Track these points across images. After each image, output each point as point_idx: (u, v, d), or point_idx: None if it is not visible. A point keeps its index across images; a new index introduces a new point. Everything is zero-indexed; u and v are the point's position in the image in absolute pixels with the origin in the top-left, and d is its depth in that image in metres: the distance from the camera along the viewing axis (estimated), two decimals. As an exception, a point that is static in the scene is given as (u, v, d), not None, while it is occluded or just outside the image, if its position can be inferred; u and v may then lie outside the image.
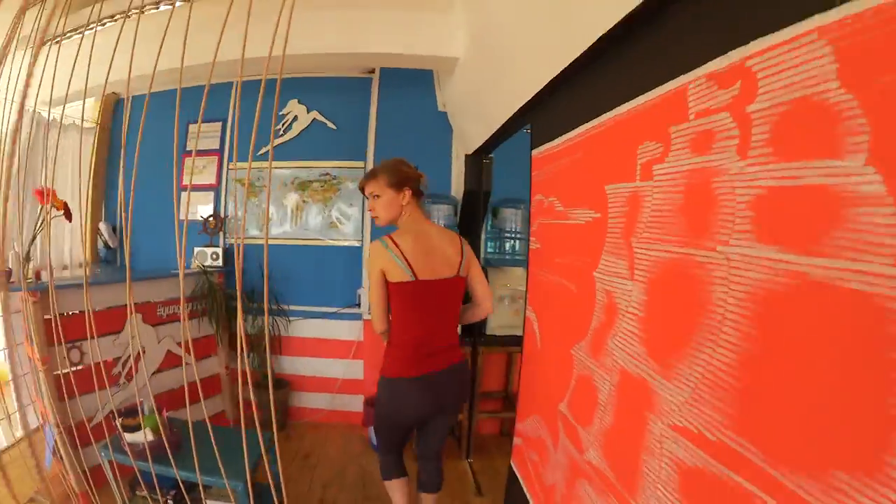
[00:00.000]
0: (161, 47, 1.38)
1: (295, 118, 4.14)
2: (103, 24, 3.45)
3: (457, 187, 3.71)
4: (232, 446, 1.66)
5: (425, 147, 3.74)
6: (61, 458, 2.51)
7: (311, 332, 4.22)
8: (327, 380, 4.24)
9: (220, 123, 4.42)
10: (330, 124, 4.11)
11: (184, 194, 4.44)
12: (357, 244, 4.10)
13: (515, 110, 2.32)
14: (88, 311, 1.53)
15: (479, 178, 3.36)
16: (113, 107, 4.93)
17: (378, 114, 3.84)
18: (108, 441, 2.20)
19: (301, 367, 4.29)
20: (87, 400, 2.88)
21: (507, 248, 3.65)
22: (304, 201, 4.14)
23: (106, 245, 4.74)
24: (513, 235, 3.63)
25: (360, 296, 4.02)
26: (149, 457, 1.86)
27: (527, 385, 2.40)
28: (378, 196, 2.13)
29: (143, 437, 2.09)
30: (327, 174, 4.12)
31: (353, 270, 4.06)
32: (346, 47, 3.13)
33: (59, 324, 2.65)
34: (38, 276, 3.12)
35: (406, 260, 2.00)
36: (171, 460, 1.56)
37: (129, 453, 1.80)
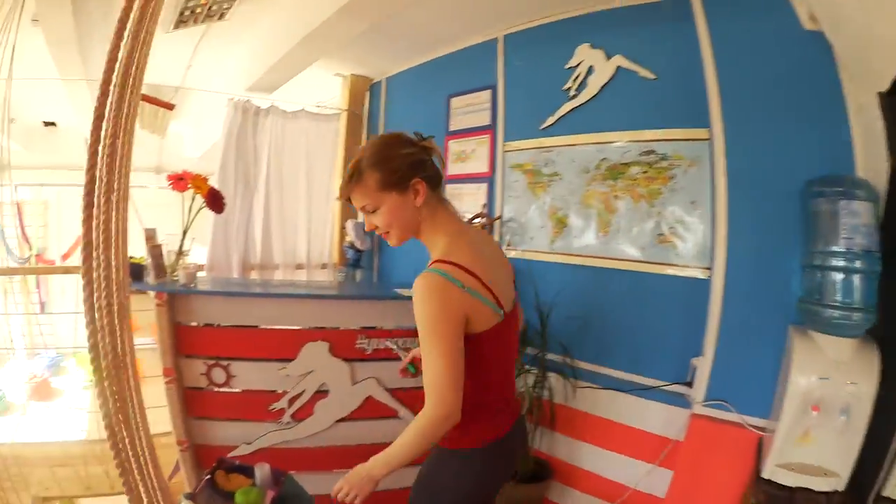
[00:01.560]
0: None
1: (590, 70, 2.85)
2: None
3: (866, 166, 2.03)
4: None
5: (796, 96, 2.18)
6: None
7: (605, 408, 2.83)
8: (610, 484, 2.78)
9: (488, 92, 3.44)
10: (644, 72, 2.65)
11: (448, 188, 3.65)
12: (702, 275, 2.47)
13: None
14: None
15: None
16: (365, 90, 4.62)
17: (714, 49, 2.36)
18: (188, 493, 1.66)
19: (576, 455, 2.94)
20: (230, 427, 2.72)
21: None
22: (614, 197, 2.76)
23: (352, 246, 4.20)
24: None
25: (694, 369, 2.47)
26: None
27: None
28: (374, 209, 1.44)
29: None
30: (651, 151, 2.65)
31: (693, 320, 2.47)
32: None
33: (174, 332, 2.60)
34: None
35: (488, 289, 1.38)
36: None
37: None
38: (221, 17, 3.48)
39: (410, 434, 1.33)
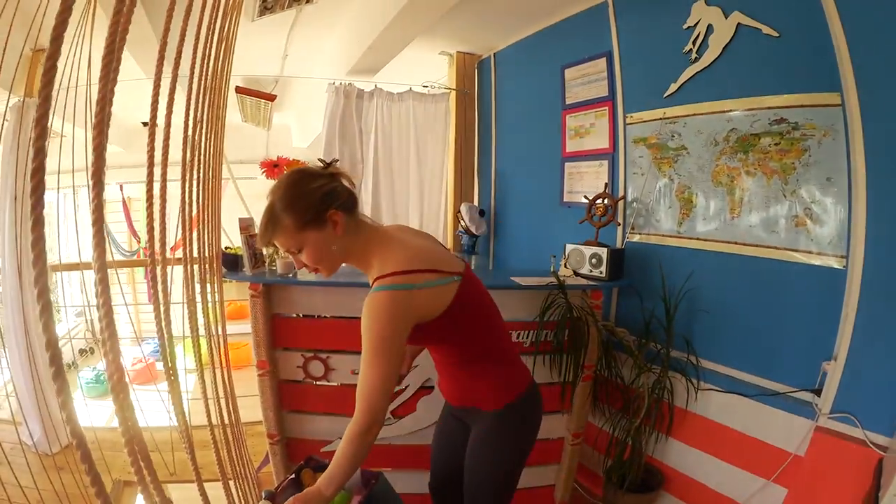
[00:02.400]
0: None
1: (709, 29, 2.55)
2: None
3: None
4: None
5: None
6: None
7: (726, 414, 2.54)
8: (722, 499, 2.53)
9: (603, 59, 3.20)
10: (767, 30, 2.31)
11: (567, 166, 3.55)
12: (837, 265, 2.13)
13: None
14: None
15: None
16: (473, 67, 4.50)
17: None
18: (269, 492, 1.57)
19: (692, 464, 2.68)
20: (325, 422, 2.75)
21: None
22: (746, 172, 2.46)
23: (467, 231, 4.12)
24: None
25: (824, 374, 2.14)
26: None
27: None
28: (298, 249, 1.46)
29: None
30: (782, 120, 2.31)
31: (826, 317, 2.15)
32: None
33: (270, 325, 2.61)
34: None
35: (435, 271, 1.45)
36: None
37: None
38: (308, 0, 3.44)
39: (343, 445, 1.36)
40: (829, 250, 2.15)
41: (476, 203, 4.41)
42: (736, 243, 2.49)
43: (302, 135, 7.21)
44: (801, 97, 2.19)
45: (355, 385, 1.29)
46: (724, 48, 2.46)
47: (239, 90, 4.72)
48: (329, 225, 1.43)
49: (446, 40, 4.10)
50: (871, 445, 1.87)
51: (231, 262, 2.70)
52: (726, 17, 2.43)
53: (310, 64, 4.65)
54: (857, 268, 1.96)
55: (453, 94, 4.36)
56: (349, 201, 1.48)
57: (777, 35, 2.26)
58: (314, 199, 1.41)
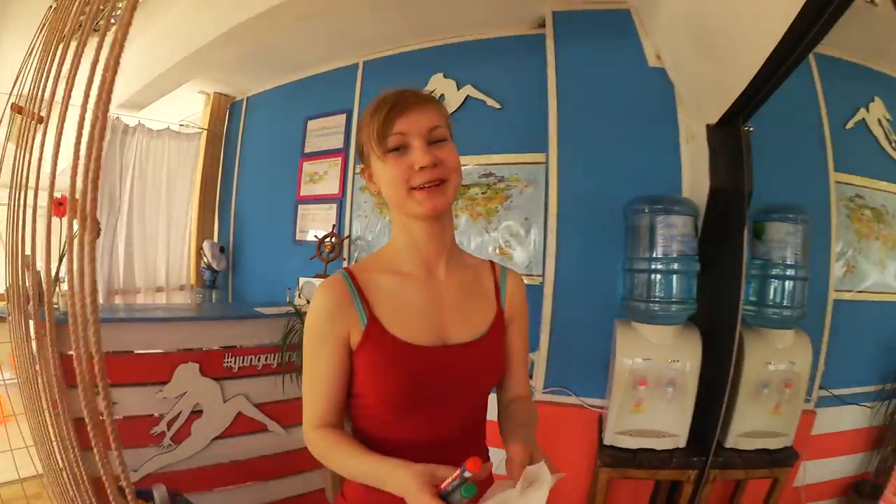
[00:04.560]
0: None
1: (440, 98, 2.99)
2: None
3: (691, 186, 2.42)
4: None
5: (635, 122, 2.53)
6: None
7: None
8: None
9: (343, 116, 3.64)
10: (491, 102, 2.97)
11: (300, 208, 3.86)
12: (535, 282, 2.76)
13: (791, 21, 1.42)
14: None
15: (735, 165, 2.05)
16: (226, 108, 4.66)
17: (558, 82, 2.66)
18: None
19: None
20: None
21: (773, 296, 2.24)
22: (455, 216, 2.91)
23: (209, 267, 4.23)
24: (783, 271, 2.22)
25: (532, 362, 2.72)
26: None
27: None
28: (444, 137, 1.06)
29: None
30: (490, 174, 2.96)
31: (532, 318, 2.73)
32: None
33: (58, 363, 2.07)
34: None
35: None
36: None
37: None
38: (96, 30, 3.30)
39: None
40: (525, 271, 2.79)
41: (216, 240, 4.47)
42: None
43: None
44: (515, 156, 2.85)
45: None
46: (451, 114, 3.03)
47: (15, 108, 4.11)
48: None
49: (207, 79, 4.17)
50: (588, 407, 2.47)
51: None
52: (459, 90, 3.01)
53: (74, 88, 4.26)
54: (550, 282, 2.55)
55: (205, 133, 4.43)
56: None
57: (499, 107, 2.90)
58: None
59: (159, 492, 1.70)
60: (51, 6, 3.36)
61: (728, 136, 2.08)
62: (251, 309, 3.04)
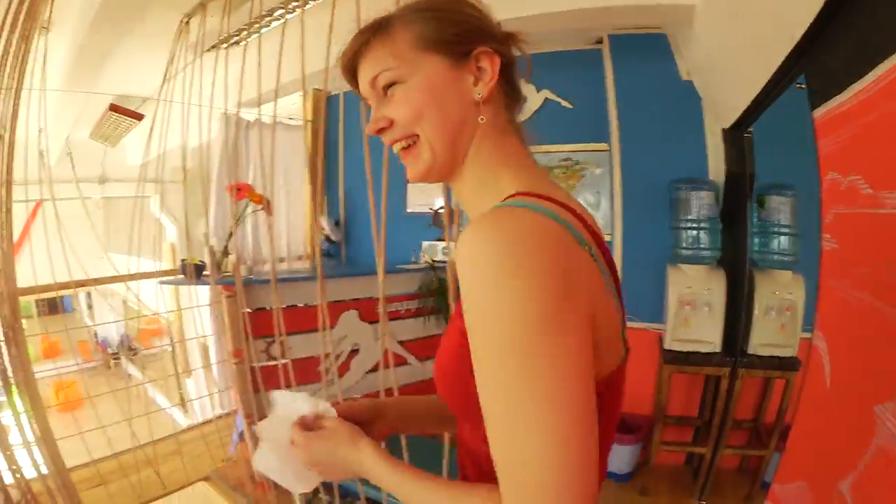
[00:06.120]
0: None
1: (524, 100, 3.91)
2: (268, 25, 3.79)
3: (714, 170, 3.35)
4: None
5: (673, 122, 3.40)
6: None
7: None
8: None
9: None
10: (565, 103, 3.87)
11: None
12: (608, 238, 3.46)
13: (783, 58, 1.89)
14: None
15: (742, 157, 2.99)
16: (324, 103, 5.15)
17: (616, 87, 3.56)
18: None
19: None
20: None
21: (774, 247, 3.18)
22: None
23: (328, 239, 4.98)
24: (778, 230, 3.15)
25: None
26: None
27: (799, 438, 2.00)
28: (392, 81, 0.76)
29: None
30: (568, 159, 3.89)
31: None
32: (562, 4, 3.05)
33: (246, 319, 2.95)
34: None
35: (615, 277, 0.76)
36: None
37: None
38: (236, 43, 3.97)
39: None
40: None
41: (327, 216, 5.17)
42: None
43: (138, 153, 6.88)
44: (585, 145, 3.77)
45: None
46: (534, 112, 3.87)
47: (113, 108, 4.78)
48: (471, 68, 0.76)
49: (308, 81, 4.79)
50: (651, 330, 3.46)
51: (198, 271, 3.39)
52: (538, 92, 3.85)
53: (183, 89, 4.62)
54: (619, 240, 3.49)
55: (309, 124, 5.02)
56: (514, 73, 0.84)
57: (572, 106, 3.78)
58: (470, 20, 0.77)
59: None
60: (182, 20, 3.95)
61: (737, 137, 3.00)
62: (393, 266, 3.78)
